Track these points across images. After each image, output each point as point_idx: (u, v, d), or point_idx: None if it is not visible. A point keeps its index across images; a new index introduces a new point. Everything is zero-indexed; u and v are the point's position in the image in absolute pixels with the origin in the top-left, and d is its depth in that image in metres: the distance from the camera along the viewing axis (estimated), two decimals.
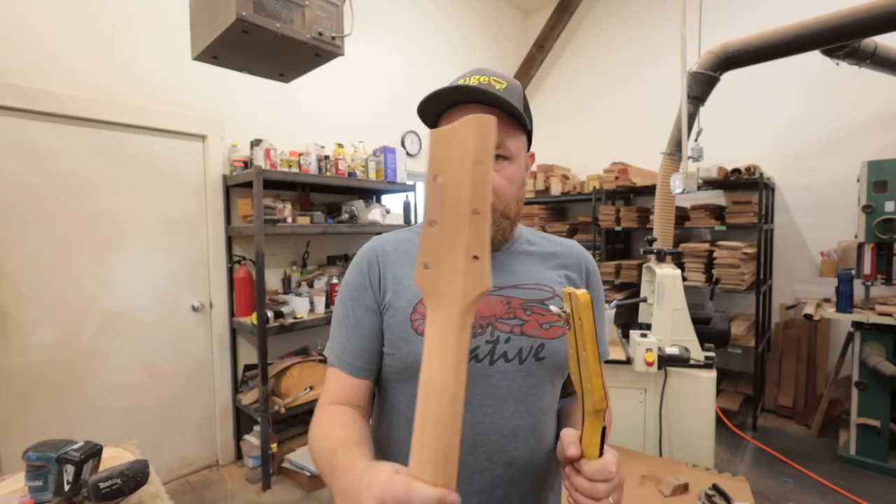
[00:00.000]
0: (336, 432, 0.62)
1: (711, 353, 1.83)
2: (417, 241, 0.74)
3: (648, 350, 1.74)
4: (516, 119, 0.68)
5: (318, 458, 0.62)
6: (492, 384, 0.67)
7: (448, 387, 0.39)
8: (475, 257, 0.39)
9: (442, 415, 0.39)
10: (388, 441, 0.74)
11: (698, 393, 1.79)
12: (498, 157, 0.68)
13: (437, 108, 0.69)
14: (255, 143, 2.55)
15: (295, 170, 2.64)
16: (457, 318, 0.40)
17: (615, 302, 2.22)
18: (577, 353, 0.51)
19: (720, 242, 3.14)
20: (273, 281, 2.79)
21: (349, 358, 0.71)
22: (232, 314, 2.70)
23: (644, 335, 1.83)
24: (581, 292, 0.49)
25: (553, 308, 0.54)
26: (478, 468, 0.66)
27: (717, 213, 3.30)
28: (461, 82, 0.69)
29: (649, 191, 3.15)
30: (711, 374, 1.79)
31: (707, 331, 1.98)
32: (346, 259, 3.07)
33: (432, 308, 0.41)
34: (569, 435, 0.56)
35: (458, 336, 0.40)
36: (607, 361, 1.90)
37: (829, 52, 2.55)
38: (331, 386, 0.72)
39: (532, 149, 0.77)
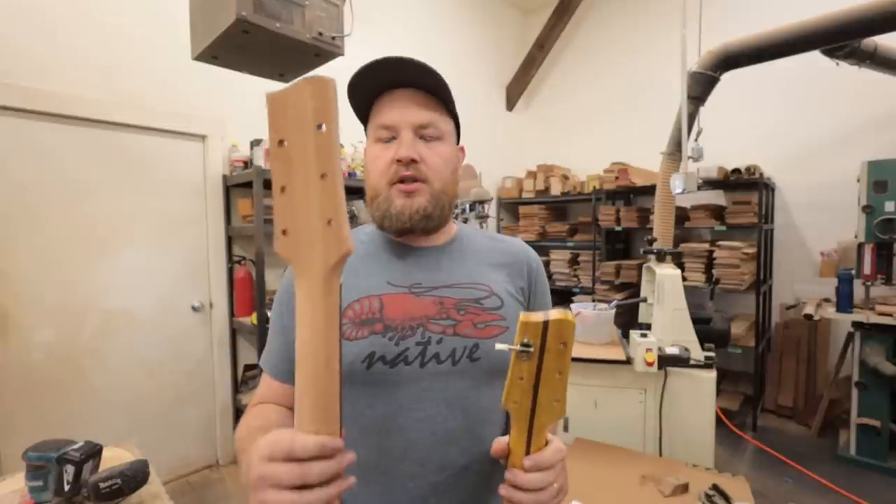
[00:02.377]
0: (252, 423, 0.64)
1: (711, 353, 1.83)
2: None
3: (648, 350, 1.74)
4: (444, 102, 0.71)
5: (237, 447, 0.63)
6: (423, 387, 0.65)
7: (321, 352, 0.41)
8: (329, 221, 0.39)
9: (318, 377, 0.41)
10: None
11: (698, 393, 1.79)
12: (430, 136, 0.69)
13: (368, 97, 0.70)
14: (255, 143, 2.54)
15: None
16: (322, 284, 0.40)
17: (615, 302, 2.22)
18: (540, 381, 0.48)
19: (720, 242, 3.14)
20: (273, 281, 2.79)
21: (275, 362, 0.72)
22: (232, 314, 2.70)
23: (644, 335, 1.83)
24: (558, 316, 0.46)
25: (501, 346, 0.49)
26: (409, 475, 0.64)
27: (717, 213, 3.30)
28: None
29: (649, 191, 3.15)
30: (711, 374, 1.79)
31: (707, 331, 1.97)
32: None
33: (297, 275, 0.41)
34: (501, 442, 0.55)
35: (326, 301, 0.40)
36: (607, 361, 1.90)
37: (829, 52, 2.55)
38: (260, 389, 0.74)
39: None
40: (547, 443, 0.53)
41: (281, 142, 0.39)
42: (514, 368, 0.48)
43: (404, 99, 0.68)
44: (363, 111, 0.73)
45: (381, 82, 0.69)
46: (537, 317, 0.46)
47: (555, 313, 0.46)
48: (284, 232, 0.40)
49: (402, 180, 0.67)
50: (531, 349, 0.46)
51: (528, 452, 0.51)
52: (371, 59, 0.66)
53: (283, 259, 0.42)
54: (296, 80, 0.38)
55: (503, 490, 0.52)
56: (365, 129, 0.75)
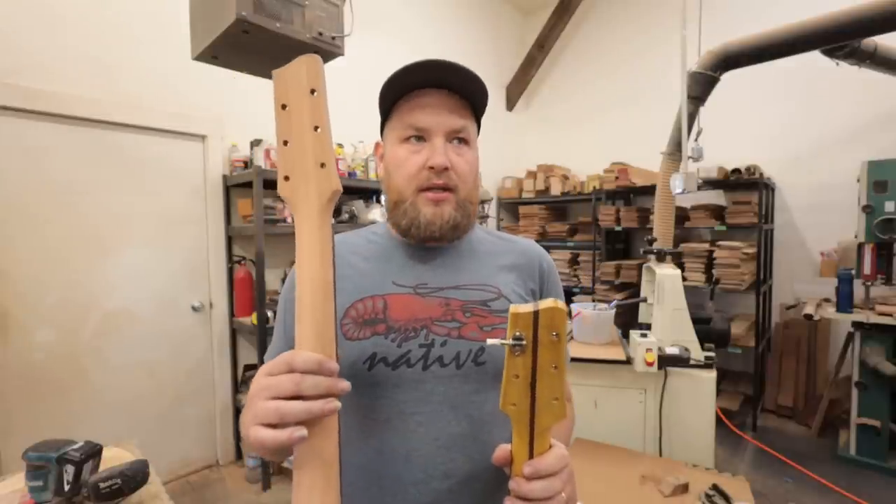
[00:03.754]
0: None
1: (711, 353, 1.83)
2: (358, 245, 0.74)
3: (648, 350, 1.74)
4: (473, 108, 0.70)
5: (241, 430, 0.63)
6: (426, 390, 0.64)
7: (317, 276, 0.47)
8: (322, 164, 0.47)
9: (315, 300, 0.47)
10: None
11: (698, 393, 1.79)
12: (461, 140, 0.68)
13: (399, 92, 0.68)
14: (255, 143, 2.54)
15: None
16: (317, 217, 0.47)
17: (615, 302, 2.22)
18: (537, 377, 0.47)
19: (720, 242, 3.14)
20: (273, 281, 2.79)
21: (276, 355, 0.73)
22: (232, 314, 2.70)
23: (644, 335, 1.83)
24: (549, 305, 0.45)
25: (493, 340, 0.47)
26: (412, 481, 0.62)
27: (717, 213, 3.30)
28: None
29: (649, 191, 3.15)
30: (711, 374, 1.79)
31: (707, 331, 1.97)
32: None
33: (296, 212, 0.48)
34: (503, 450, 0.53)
35: (321, 231, 0.47)
36: (607, 361, 1.90)
37: (829, 52, 2.55)
38: None
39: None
40: (550, 447, 0.50)
41: (284, 106, 0.47)
42: (509, 365, 0.47)
43: (438, 101, 0.66)
44: (387, 107, 0.71)
45: (418, 81, 0.66)
46: (527, 307, 0.45)
47: (545, 302, 0.45)
48: (286, 178, 0.48)
49: (430, 187, 0.66)
50: (524, 342, 0.45)
51: (531, 457, 0.49)
52: (415, 61, 0.65)
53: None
54: (294, 60, 0.47)
55: (509, 502, 0.49)
56: (382, 125, 0.73)
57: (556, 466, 0.49)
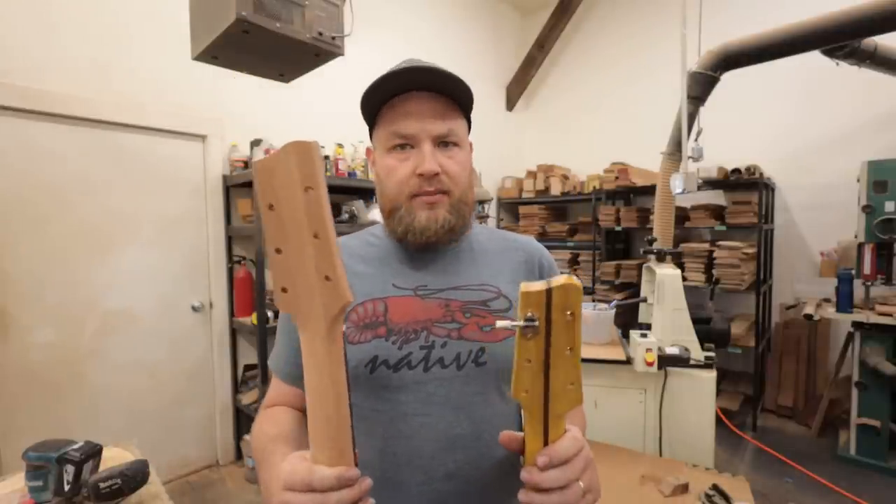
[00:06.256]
0: (268, 430, 0.64)
1: (711, 353, 1.83)
2: (357, 248, 0.74)
3: (648, 350, 1.74)
4: (461, 106, 0.69)
5: (254, 455, 0.64)
6: (427, 391, 0.64)
7: (330, 394, 0.43)
8: (327, 278, 0.41)
9: (329, 419, 0.44)
10: None
11: (698, 393, 1.79)
12: (449, 143, 0.67)
13: (381, 99, 0.67)
14: (255, 143, 2.54)
15: None
16: (325, 333, 0.43)
17: (615, 302, 2.22)
18: (550, 361, 0.43)
19: (720, 242, 3.14)
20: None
21: (281, 364, 0.73)
22: (232, 314, 2.70)
23: (644, 335, 1.83)
24: (562, 281, 0.41)
25: (502, 323, 0.45)
26: (414, 482, 0.62)
27: (717, 213, 3.30)
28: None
29: (649, 191, 3.15)
30: (711, 374, 1.79)
31: (707, 331, 1.97)
32: None
33: (301, 327, 0.43)
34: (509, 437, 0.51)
35: (330, 348, 0.43)
36: (607, 361, 1.90)
37: (829, 52, 2.54)
38: (270, 391, 0.74)
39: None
40: (565, 432, 0.47)
41: (271, 206, 0.40)
42: (520, 349, 0.43)
43: (422, 105, 0.65)
44: (372, 114, 0.70)
45: (399, 86, 0.65)
46: (539, 285, 0.41)
47: (558, 279, 0.41)
48: (284, 290, 0.42)
49: (422, 193, 0.66)
50: (536, 323, 0.42)
51: (546, 446, 0.46)
52: (391, 68, 0.64)
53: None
54: (282, 148, 0.40)
55: (523, 496, 0.46)
56: (370, 132, 0.72)
57: (571, 451, 0.46)
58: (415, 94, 0.66)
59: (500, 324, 0.46)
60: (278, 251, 0.41)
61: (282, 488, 0.45)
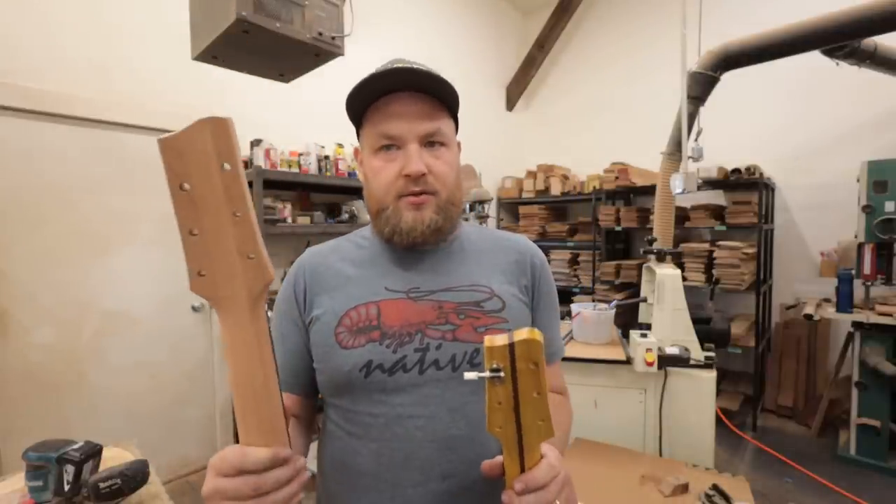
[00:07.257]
0: None
1: (711, 353, 1.83)
2: (348, 251, 0.74)
3: (648, 350, 1.74)
4: (447, 105, 0.69)
5: None
6: (424, 393, 0.64)
7: (258, 374, 0.43)
8: (249, 257, 0.40)
9: (258, 399, 0.43)
10: (321, 456, 0.72)
11: (698, 393, 1.79)
12: (435, 143, 0.67)
13: (366, 100, 0.67)
14: (255, 142, 2.55)
15: (295, 170, 2.64)
16: (248, 314, 0.42)
17: (615, 302, 2.22)
18: (519, 403, 0.46)
19: (720, 242, 3.14)
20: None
21: None
22: None
23: (644, 335, 1.83)
24: (524, 336, 0.44)
25: (469, 375, 0.46)
26: (410, 483, 0.63)
27: (717, 213, 3.30)
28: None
29: (649, 191, 3.15)
30: (711, 374, 1.79)
31: (707, 331, 1.98)
32: None
33: (220, 311, 0.42)
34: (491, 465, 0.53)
35: (255, 326, 0.42)
36: (607, 361, 1.90)
37: (829, 52, 2.55)
38: None
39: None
40: (542, 458, 0.51)
41: (181, 185, 0.38)
42: (490, 394, 0.46)
43: (407, 106, 0.65)
44: (357, 115, 0.70)
45: (383, 87, 0.65)
46: (502, 339, 0.44)
47: (520, 333, 0.44)
48: (200, 273, 0.40)
49: (409, 193, 0.66)
50: (501, 374, 0.44)
51: (523, 471, 0.49)
52: (376, 68, 0.64)
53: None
54: (192, 124, 0.38)
55: None
56: (357, 133, 0.72)
57: (547, 478, 0.50)
58: (400, 94, 0.65)
59: (467, 375, 0.47)
60: (192, 233, 0.39)
61: (212, 473, 0.45)
